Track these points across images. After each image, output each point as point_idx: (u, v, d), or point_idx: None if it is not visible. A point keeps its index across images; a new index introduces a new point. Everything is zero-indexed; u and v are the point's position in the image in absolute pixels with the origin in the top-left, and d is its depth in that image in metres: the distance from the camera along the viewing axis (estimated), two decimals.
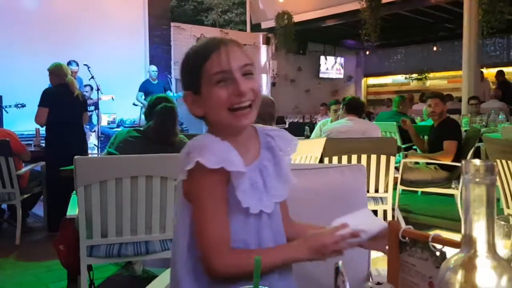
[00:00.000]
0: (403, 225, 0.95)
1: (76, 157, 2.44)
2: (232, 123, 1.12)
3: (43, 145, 5.08)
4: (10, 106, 6.36)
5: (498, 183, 3.41)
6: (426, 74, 15.39)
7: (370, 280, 1.56)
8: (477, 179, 0.58)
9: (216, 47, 1.12)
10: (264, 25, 13.38)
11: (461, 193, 5.76)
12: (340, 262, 0.79)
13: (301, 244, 1.12)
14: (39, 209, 5.05)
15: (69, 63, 6.92)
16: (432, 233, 0.90)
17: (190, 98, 1.17)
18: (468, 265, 0.58)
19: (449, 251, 0.78)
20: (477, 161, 0.58)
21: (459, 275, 0.58)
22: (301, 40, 13.08)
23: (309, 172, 1.63)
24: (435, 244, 0.88)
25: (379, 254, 1.15)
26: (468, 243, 0.58)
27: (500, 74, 11.29)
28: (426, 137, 5.12)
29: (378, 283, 0.75)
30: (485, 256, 0.59)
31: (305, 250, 1.10)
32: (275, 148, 1.22)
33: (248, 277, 0.85)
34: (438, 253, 0.87)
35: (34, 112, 4.68)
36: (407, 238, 0.94)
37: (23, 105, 6.27)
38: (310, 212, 1.56)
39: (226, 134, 1.13)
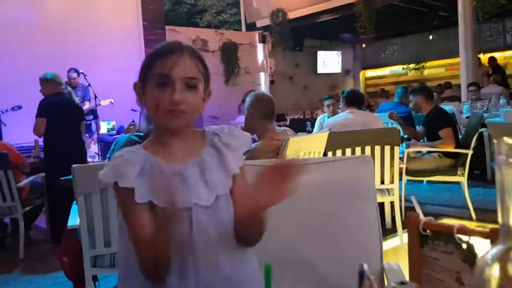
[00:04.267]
0: (421, 216, 0.88)
1: (74, 165, 2.38)
2: (165, 122, 1.19)
3: (42, 156, 5.03)
4: (6, 111, 6.32)
5: None
6: (424, 64, 15.32)
7: (384, 274, 1.50)
8: None
9: (169, 52, 1.19)
10: (259, 23, 13.31)
11: (493, 178, 5.78)
12: (365, 266, 0.72)
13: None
14: (41, 221, 4.99)
15: (68, 71, 6.86)
16: (457, 223, 0.82)
17: (138, 88, 1.26)
18: (508, 258, 0.51)
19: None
20: (510, 140, 0.51)
21: (498, 270, 0.51)
22: (297, 36, 13.01)
23: (315, 166, 1.57)
24: (460, 236, 0.81)
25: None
26: (506, 233, 0.52)
27: (492, 60, 11.39)
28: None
29: (402, 283, 0.68)
30: None
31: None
32: (220, 144, 1.25)
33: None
34: (464, 246, 0.80)
35: (32, 122, 4.62)
36: (428, 231, 0.87)
37: (19, 107, 6.24)
38: (317, 206, 1.51)
39: (164, 133, 1.22)
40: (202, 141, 1.27)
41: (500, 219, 0.53)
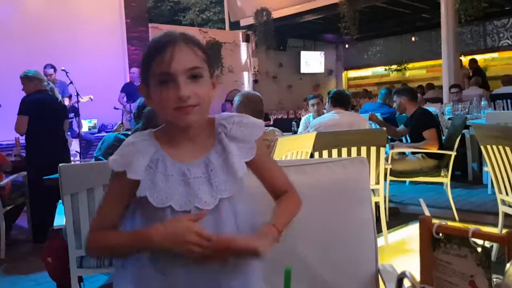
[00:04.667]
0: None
1: (60, 164, 2.33)
2: (176, 121, 1.14)
3: (24, 154, 4.94)
4: None
5: (490, 168, 3.40)
6: (406, 65, 15.47)
7: (379, 275, 1.50)
8: None
9: (163, 47, 1.11)
10: (243, 22, 13.28)
11: (474, 179, 5.85)
12: (407, 272, 0.71)
13: (158, 226, 1.10)
14: (22, 221, 4.90)
15: (44, 67, 6.73)
16: (472, 227, 0.82)
17: (144, 91, 1.19)
18: None
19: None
20: None
21: None
22: (280, 36, 13.03)
23: (310, 168, 1.57)
24: (475, 240, 0.80)
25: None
26: None
27: (473, 62, 11.56)
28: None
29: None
30: None
31: (161, 232, 1.08)
32: (226, 141, 1.19)
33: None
34: (479, 249, 0.79)
35: (11, 119, 4.54)
36: (440, 234, 0.86)
37: None
38: (313, 208, 1.50)
39: (174, 129, 1.17)
40: (211, 135, 1.21)
41: None
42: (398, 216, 4.72)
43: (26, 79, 4.61)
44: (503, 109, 7.17)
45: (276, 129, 3.49)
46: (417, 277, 0.88)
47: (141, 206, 1.15)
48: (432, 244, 0.88)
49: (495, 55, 13.75)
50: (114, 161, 1.13)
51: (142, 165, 1.12)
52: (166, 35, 1.15)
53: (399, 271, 0.83)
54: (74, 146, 7.42)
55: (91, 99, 7.87)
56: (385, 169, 4.19)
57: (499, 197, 3.38)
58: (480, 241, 0.80)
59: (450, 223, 0.87)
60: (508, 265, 0.53)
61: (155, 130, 1.22)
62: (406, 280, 0.71)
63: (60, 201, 2.50)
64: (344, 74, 17.17)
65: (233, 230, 1.17)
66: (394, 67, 15.70)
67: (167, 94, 1.11)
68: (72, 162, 5.86)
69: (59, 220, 2.58)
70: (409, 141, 5.29)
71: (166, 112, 1.13)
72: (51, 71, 7.03)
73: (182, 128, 1.16)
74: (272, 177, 1.27)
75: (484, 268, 0.77)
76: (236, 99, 3.21)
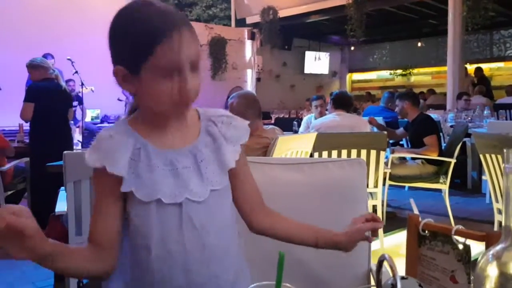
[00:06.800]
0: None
1: (65, 152, 2.38)
2: (171, 114, 1.06)
3: (27, 140, 4.99)
4: None
5: (488, 177, 3.43)
6: (411, 70, 15.50)
7: (371, 275, 1.54)
8: None
9: (169, 31, 0.95)
10: (249, 20, 13.32)
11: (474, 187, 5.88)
12: (386, 255, 0.76)
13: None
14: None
15: (44, 56, 6.77)
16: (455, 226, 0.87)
17: (121, 74, 1.03)
18: (507, 257, 0.55)
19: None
20: None
21: (498, 268, 0.55)
22: (286, 35, 13.05)
23: (308, 166, 1.59)
24: (457, 237, 0.85)
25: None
26: (508, 234, 0.56)
27: (478, 70, 11.58)
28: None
29: (403, 277, 0.72)
30: None
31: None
32: (217, 134, 1.12)
33: None
34: (461, 246, 0.84)
35: (15, 106, 4.59)
36: (426, 232, 0.91)
37: None
38: (308, 207, 1.53)
39: (155, 116, 1.07)
40: (196, 125, 1.14)
41: (503, 221, 0.57)
42: (395, 221, 4.75)
43: (31, 67, 4.66)
44: (506, 119, 7.19)
45: (276, 127, 3.51)
46: (403, 271, 0.93)
47: (130, 202, 1.06)
48: (418, 240, 0.93)
49: (500, 64, 13.79)
50: (91, 158, 1.03)
51: (125, 159, 1.03)
52: (165, 15, 0.99)
53: (391, 272, 0.88)
54: (76, 135, 7.46)
55: (92, 91, 7.92)
56: (384, 173, 4.21)
57: (495, 206, 3.41)
58: (462, 239, 0.85)
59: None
60: (479, 257, 0.58)
61: (129, 118, 1.12)
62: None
63: (62, 187, 2.55)
64: (348, 76, 17.19)
65: (227, 224, 1.14)
66: (399, 71, 15.74)
67: (171, 87, 0.99)
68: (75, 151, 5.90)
69: (60, 206, 2.63)
70: (409, 146, 5.31)
71: (163, 106, 1.02)
72: (51, 61, 7.09)
73: (167, 116, 1.07)
74: (247, 185, 1.21)
75: (464, 264, 0.81)
76: (236, 101, 3.16)
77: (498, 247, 0.58)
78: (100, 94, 8.20)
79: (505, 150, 0.56)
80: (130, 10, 1.02)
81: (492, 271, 0.56)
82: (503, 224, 0.58)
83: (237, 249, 1.18)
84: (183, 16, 1.02)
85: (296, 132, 5.89)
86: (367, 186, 3.89)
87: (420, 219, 0.94)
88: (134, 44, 0.98)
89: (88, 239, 1.07)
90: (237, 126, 1.16)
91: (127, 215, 1.07)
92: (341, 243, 1.15)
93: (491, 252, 0.58)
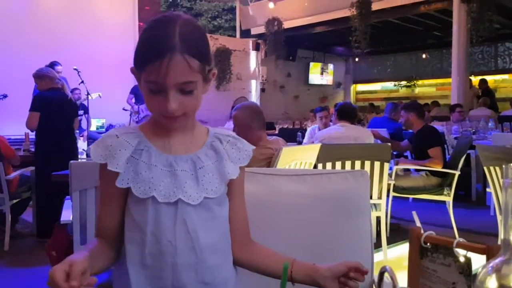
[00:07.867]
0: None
1: (71, 161, 2.40)
2: (162, 123, 1.13)
3: (33, 149, 5.02)
4: None
5: (492, 189, 3.43)
6: (415, 81, 15.51)
7: (374, 287, 1.54)
8: None
9: (159, 55, 1.03)
10: (254, 31, 13.40)
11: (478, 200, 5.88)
12: (387, 267, 0.77)
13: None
14: (27, 215, 4.97)
15: (52, 64, 6.81)
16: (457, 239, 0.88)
17: (133, 72, 1.13)
18: (507, 270, 0.56)
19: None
20: None
21: (497, 280, 0.56)
22: (290, 46, 13.11)
23: (311, 178, 1.60)
24: (459, 250, 0.86)
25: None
26: (507, 247, 0.57)
27: (483, 82, 11.57)
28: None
29: None
30: None
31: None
32: (221, 150, 1.18)
33: None
34: (462, 259, 0.85)
35: (20, 114, 4.62)
36: (428, 244, 0.93)
37: (5, 96, 6.25)
38: (312, 218, 1.54)
39: (159, 122, 1.14)
40: (203, 139, 1.20)
41: (502, 234, 0.58)
42: (398, 232, 4.74)
43: (38, 77, 4.70)
44: (510, 131, 7.19)
45: (280, 138, 3.52)
46: (406, 283, 0.94)
47: (129, 198, 1.13)
48: (420, 252, 0.94)
49: (505, 76, 13.79)
50: (96, 154, 1.12)
51: (124, 157, 1.11)
52: (164, 38, 1.05)
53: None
54: (81, 144, 7.50)
55: (100, 96, 7.96)
56: (388, 185, 4.20)
57: (500, 218, 3.41)
58: (463, 252, 0.86)
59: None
60: (479, 269, 0.59)
61: (142, 124, 1.21)
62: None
63: (68, 197, 2.56)
64: (352, 87, 17.21)
65: (217, 233, 1.17)
66: (403, 83, 15.74)
67: (156, 101, 1.08)
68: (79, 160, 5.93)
69: (65, 215, 2.65)
70: (413, 157, 5.31)
71: (154, 114, 1.14)
72: (60, 67, 7.10)
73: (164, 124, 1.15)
74: (239, 213, 1.24)
75: (465, 276, 0.82)
76: (240, 113, 3.17)
77: (498, 260, 0.59)
78: (106, 104, 8.26)
79: (504, 166, 0.58)
80: (149, 23, 1.12)
81: (491, 284, 0.57)
82: (502, 237, 0.59)
83: (229, 259, 1.22)
84: (183, 39, 1.05)
85: (300, 143, 5.90)
86: (371, 198, 3.91)
87: (422, 231, 0.95)
88: (137, 54, 1.09)
89: (96, 234, 1.17)
90: (241, 148, 1.22)
91: (127, 210, 1.13)
92: (319, 271, 1.15)
93: (490, 265, 0.59)
